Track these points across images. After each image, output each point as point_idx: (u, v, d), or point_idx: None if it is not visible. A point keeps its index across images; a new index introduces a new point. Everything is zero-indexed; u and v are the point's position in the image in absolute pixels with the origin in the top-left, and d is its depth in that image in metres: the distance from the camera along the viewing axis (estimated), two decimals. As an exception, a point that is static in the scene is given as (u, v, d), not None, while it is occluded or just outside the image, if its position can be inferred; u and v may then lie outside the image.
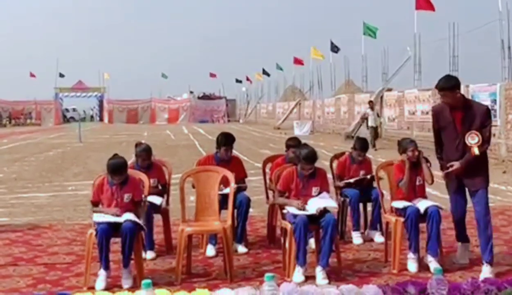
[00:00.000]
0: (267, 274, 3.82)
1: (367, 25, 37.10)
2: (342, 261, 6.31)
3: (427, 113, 22.57)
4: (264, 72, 66.18)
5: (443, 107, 6.12)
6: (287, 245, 6.08)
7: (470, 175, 6.03)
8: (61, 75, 69.12)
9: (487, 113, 6.03)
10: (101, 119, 69.39)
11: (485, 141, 5.97)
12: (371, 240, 7.41)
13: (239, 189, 6.93)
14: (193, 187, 6.64)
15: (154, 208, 6.87)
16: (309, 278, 5.80)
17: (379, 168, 7.03)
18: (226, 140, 7.17)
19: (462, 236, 6.48)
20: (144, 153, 7.10)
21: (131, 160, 7.74)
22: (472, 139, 5.87)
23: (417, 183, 6.49)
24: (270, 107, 61.05)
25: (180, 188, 6.30)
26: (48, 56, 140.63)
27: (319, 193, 6.19)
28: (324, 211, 5.96)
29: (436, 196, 9.20)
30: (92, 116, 77.21)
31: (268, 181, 7.70)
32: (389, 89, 29.04)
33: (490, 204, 10.04)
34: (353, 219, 7.47)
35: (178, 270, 5.93)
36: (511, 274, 5.85)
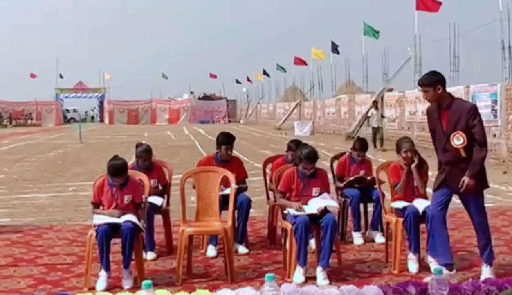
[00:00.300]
0: (267, 275, 3.82)
1: (368, 25, 37.10)
2: (343, 261, 6.31)
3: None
4: (265, 73, 66.21)
5: (435, 106, 5.84)
6: (287, 245, 6.08)
7: (459, 178, 5.63)
8: (61, 77, 69.22)
9: (471, 112, 5.61)
10: (102, 120, 69.47)
11: (478, 143, 5.59)
12: (372, 240, 7.41)
13: (240, 190, 6.94)
14: (194, 187, 6.64)
15: (155, 208, 6.87)
16: (310, 278, 5.80)
17: (380, 168, 7.03)
18: (226, 139, 7.18)
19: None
20: (145, 153, 7.10)
21: (131, 160, 7.75)
22: (458, 141, 5.57)
23: (416, 184, 6.48)
24: (270, 108, 61.07)
25: (180, 188, 6.30)
26: (48, 57, 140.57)
27: (320, 193, 6.19)
28: (324, 211, 5.96)
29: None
30: (92, 117, 77.29)
31: (268, 181, 7.70)
32: (390, 90, 29.05)
33: (490, 204, 10.10)
34: (353, 219, 7.47)
35: (178, 270, 5.93)
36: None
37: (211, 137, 30.70)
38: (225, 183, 6.65)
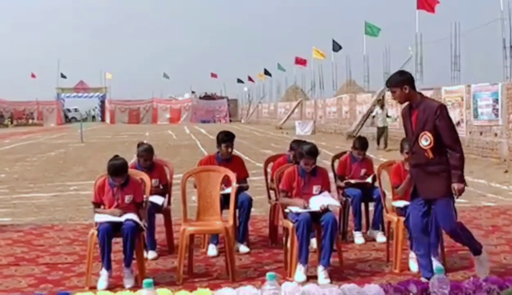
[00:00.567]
0: (268, 273, 3.81)
1: (369, 24, 37.07)
2: (344, 260, 6.31)
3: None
4: (266, 72, 66.19)
5: (407, 107, 5.65)
6: (288, 244, 6.08)
7: (427, 182, 5.46)
8: (63, 76, 69.26)
9: (438, 112, 5.39)
10: (103, 119, 69.51)
11: (448, 147, 5.38)
12: (373, 239, 7.40)
13: (241, 189, 6.94)
14: (195, 186, 6.64)
15: (156, 207, 6.87)
16: (311, 277, 5.80)
17: (381, 167, 7.03)
18: (226, 137, 7.18)
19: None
20: (146, 153, 7.10)
21: (132, 159, 7.75)
22: (425, 141, 5.38)
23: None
24: (271, 107, 61.06)
25: (181, 187, 6.30)
26: (49, 57, 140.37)
27: (321, 191, 6.20)
28: (325, 210, 5.96)
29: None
30: (94, 117, 77.32)
31: (269, 181, 7.70)
32: (391, 89, 29.00)
33: (491, 204, 10.10)
34: (355, 218, 7.47)
35: (179, 269, 5.93)
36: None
37: (212, 137, 30.68)
38: (226, 182, 6.66)
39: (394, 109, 26.53)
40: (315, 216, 5.95)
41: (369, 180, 7.55)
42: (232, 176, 6.43)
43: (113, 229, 5.77)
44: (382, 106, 22.96)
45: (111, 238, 5.79)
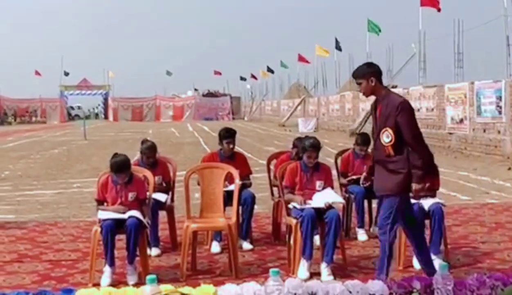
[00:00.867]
0: (272, 270, 3.81)
1: (372, 21, 37.02)
2: (347, 257, 6.31)
3: (432, 110, 22.53)
4: (269, 70, 66.15)
5: (375, 101, 5.45)
6: (291, 241, 6.08)
7: (384, 179, 5.30)
8: (66, 74, 69.31)
9: (400, 108, 5.16)
10: (106, 117, 69.54)
11: (410, 146, 5.16)
12: (376, 236, 7.38)
13: (244, 186, 6.94)
14: (198, 184, 6.64)
15: (159, 204, 6.88)
16: (314, 274, 5.80)
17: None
18: (227, 133, 7.19)
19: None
20: (149, 150, 7.10)
21: (136, 157, 7.76)
22: (387, 138, 5.18)
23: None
24: (274, 105, 61.04)
25: (184, 185, 6.30)
26: (52, 55, 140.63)
27: (324, 187, 6.20)
28: (329, 207, 5.96)
29: (441, 192, 9.18)
30: (97, 114, 77.37)
31: (272, 178, 7.70)
32: (394, 86, 28.97)
33: (494, 201, 10.08)
34: (358, 215, 7.47)
35: (183, 266, 5.94)
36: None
37: (215, 134, 30.58)
38: (229, 179, 6.66)
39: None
40: (319, 213, 5.95)
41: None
42: (235, 173, 6.42)
43: (116, 226, 5.77)
44: None
45: (114, 235, 5.79)
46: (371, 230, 7.58)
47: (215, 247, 6.87)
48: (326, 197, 6.06)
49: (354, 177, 7.57)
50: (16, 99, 65.29)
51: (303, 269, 5.83)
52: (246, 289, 3.92)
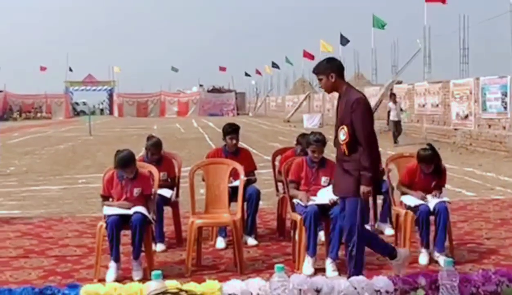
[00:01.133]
0: (277, 265, 3.81)
1: (377, 17, 36.95)
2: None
3: (437, 106, 22.48)
4: (274, 65, 66.08)
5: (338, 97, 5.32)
6: (296, 237, 6.08)
7: (340, 178, 5.21)
8: (70, 70, 69.39)
9: (354, 105, 5.03)
10: (111, 112, 69.59)
11: (361, 144, 4.99)
12: (381, 232, 7.39)
13: (249, 182, 6.94)
14: (203, 179, 6.64)
15: (164, 200, 6.89)
16: (319, 270, 5.80)
17: (389, 160, 7.02)
18: (230, 128, 7.19)
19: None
20: (153, 147, 7.11)
21: (141, 153, 7.77)
22: (343, 136, 5.06)
23: (432, 185, 6.41)
24: (279, 100, 61.00)
25: (189, 180, 6.31)
26: (58, 50, 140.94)
27: (329, 183, 6.19)
28: (334, 203, 5.96)
29: (446, 188, 9.17)
30: (102, 110, 77.43)
31: (277, 174, 7.70)
32: (399, 82, 28.93)
33: (500, 197, 10.05)
34: (363, 211, 7.45)
35: (188, 262, 5.95)
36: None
37: (220, 130, 30.66)
38: (234, 175, 6.66)
39: (403, 103, 26.52)
40: (323, 209, 5.95)
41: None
42: (240, 169, 6.43)
43: (121, 221, 5.79)
44: (394, 101, 22.23)
45: (119, 231, 5.81)
46: (376, 226, 7.58)
47: (220, 242, 6.88)
48: (331, 193, 6.05)
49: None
50: (21, 95, 65.35)
51: (307, 265, 5.83)
52: (251, 285, 3.92)
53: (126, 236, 6.15)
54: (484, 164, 15.03)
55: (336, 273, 5.66)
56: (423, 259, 6.13)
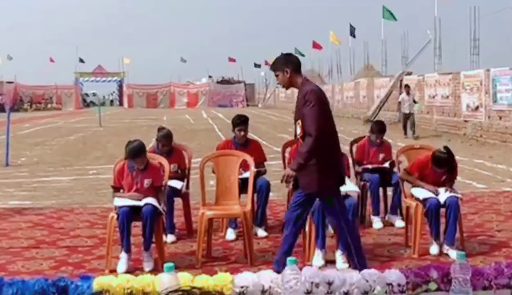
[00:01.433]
0: (289, 258, 3.80)
1: (387, 8, 36.71)
2: (362, 245, 6.28)
3: (447, 97, 22.36)
4: (283, 56, 65.77)
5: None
6: (307, 228, 6.08)
7: (301, 174, 5.14)
8: (81, 61, 69.49)
9: (306, 96, 5.01)
10: (121, 103, 69.70)
11: (306, 133, 4.97)
12: (391, 224, 7.38)
13: (259, 173, 6.94)
14: (213, 171, 6.65)
15: (175, 192, 6.91)
16: (329, 262, 5.80)
17: (400, 152, 7.00)
18: (238, 120, 7.19)
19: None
20: (164, 139, 7.11)
21: (151, 144, 7.77)
22: (299, 129, 5.06)
23: (443, 179, 6.38)
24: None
25: (200, 172, 6.31)
26: (68, 41, 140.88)
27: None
28: (345, 196, 5.94)
29: (457, 180, 9.13)
30: (112, 101, 77.57)
31: (287, 165, 7.68)
32: (409, 73, 28.77)
33: (510, 189, 9.99)
34: (373, 203, 7.45)
35: (198, 253, 5.97)
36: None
37: (229, 121, 30.61)
38: (244, 166, 6.66)
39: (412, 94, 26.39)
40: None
41: (386, 165, 7.51)
42: (250, 160, 6.43)
43: (132, 212, 5.80)
44: (408, 92, 21.93)
45: (130, 222, 5.83)
46: (386, 217, 7.57)
47: (230, 234, 6.90)
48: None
49: (369, 166, 7.55)
50: (32, 86, 65.54)
51: (318, 257, 5.84)
52: (263, 277, 3.92)
53: (137, 227, 6.17)
54: (495, 156, 14.95)
55: (347, 265, 5.65)
56: (434, 249, 6.13)
